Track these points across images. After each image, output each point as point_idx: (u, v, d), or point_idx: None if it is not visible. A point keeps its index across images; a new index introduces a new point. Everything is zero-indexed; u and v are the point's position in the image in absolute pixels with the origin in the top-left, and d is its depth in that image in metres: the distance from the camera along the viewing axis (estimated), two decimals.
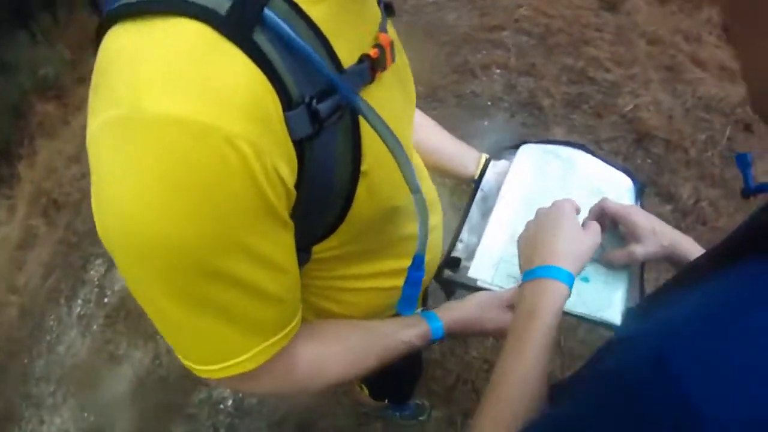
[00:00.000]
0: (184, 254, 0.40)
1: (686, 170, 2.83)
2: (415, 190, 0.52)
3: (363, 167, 0.50)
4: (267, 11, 0.39)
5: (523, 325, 0.61)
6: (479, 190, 0.98)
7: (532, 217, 0.81)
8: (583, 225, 0.77)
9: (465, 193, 1.33)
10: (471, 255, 0.89)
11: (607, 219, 0.85)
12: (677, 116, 3.10)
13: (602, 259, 0.86)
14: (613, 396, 0.35)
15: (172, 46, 0.37)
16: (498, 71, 3.15)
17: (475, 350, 2.01)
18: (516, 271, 0.81)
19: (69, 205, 2.89)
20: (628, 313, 0.78)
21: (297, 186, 0.44)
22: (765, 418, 0.27)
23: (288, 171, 0.42)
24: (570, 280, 0.66)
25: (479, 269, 0.86)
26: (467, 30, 3.40)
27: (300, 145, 0.43)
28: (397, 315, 0.70)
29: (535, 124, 2.81)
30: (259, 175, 0.39)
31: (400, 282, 0.63)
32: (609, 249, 0.86)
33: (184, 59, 0.37)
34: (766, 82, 0.39)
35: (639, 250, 0.81)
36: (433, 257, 0.80)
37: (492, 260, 0.87)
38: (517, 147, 1.03)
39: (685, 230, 2.45)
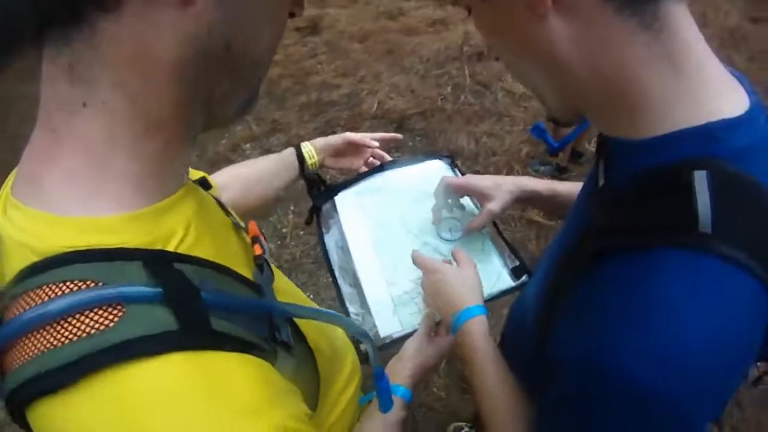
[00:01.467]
0: None
1: (452, 123, 2.92)
2: (363, 335, 0.55)
3: (312, 347, 0.55)
4: (203, 294, 0.37)
5: (473, 366, 0.69)
6: (327, 251, 1.01)
7: (389, 253, 0.94)
8: (454, 256, 0.85)
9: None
10: (371, 321, 0.90)
11: (451, 195, 0.94)
12: (418, 87, 3.22)
13: (466, 232, 0.93)
14: (583, 412, 0.42)
15: (163, 395, 0.32)
16: (248, 145, 3.07)
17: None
18: (412, 305, 0.89)
19: None
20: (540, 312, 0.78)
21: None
22: (696, 366, 0.37)
23: (303, 403, 0.44)
24: (480, 309, 0.74)
25: (386, 326, 0.88)
26: None
27: (292, 377, 0.45)
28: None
29: None
30: (306, 428, 0.39)
31: (353, 387, 0.73)
32: (465, 222, 0.95)
33: (188, 401, 0.33)
34: (547, 97, 0.50)
35: (493, 205, 0.88)
36: (353, 357, 0.83)
37: (389, 312, 0.90)
38: (328, 197, 1.07)
39: (487, 168, 2.63)
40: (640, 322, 0.39)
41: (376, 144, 1.09)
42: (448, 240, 0.97)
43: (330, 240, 1.03)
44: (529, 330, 0.61)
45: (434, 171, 1.09)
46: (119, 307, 0.34)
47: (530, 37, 0.44)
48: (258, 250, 0.52)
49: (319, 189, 1.06)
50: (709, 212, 0.39)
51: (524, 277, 0.92)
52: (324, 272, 2.22)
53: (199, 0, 0.34)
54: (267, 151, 2.99)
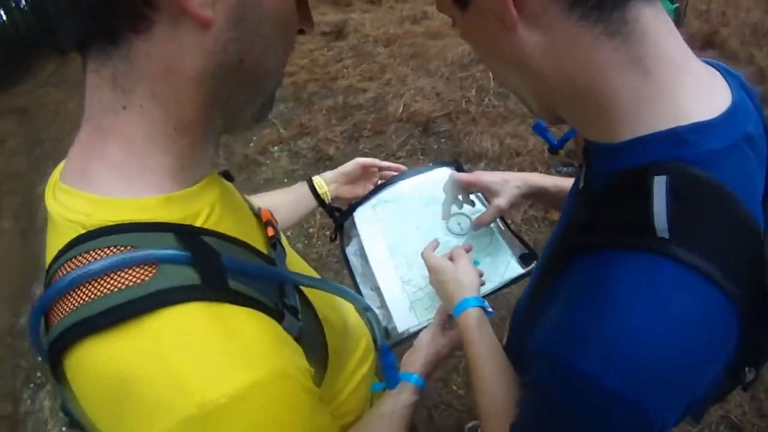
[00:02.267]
0: None
1: (477, 125, 2.94)
2: (366, 309, 0.62)
3: (321, 317, 0.60)
4: (223, 259, 0.43)
5: (468, 359, 0.72)
6: (350, 263, 1.08)
7: (403, 254, 1.00)
8: (451, 256, 0.88)
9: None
10: (389, 317, 0.95)
11: (459, 191, 0.98)
12: (443, 89, 3.25)
13: (475, 226, 0.96)
14: (542, 401, 0.46)
15: (183, 336, 0.38)
16: (276, 148, 3.14)
17: None
18: (427, 300, 0.95)
19: None
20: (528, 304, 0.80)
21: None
22: (639, 358, 0.38)
23: (306, 362, 0.48)
24: (476, 302, 0.77)
25: (403, 322, 0.93)
26: None
27: (298, 339, 0.49)
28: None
29: None
30: (306, 382, 0.45)
31: (366, 366, 0.79)
32: (473, 218, 0.98)
33: (203, 342, 0.39)
34: (528, 101, 0.52)
35: (501, 201, 0.90)
36: (367, 339, 0.88)
37: (405, 308, 0.95)
38: (348, 215, 1.14)
39: (511, 168, 2.63)
40: (591, 320, 0.41)
41: (387, 164, 1.14)
42: (457, 235, 1.02)
43: (351, 250, 1.10)
44: (520, 326, 0.64)
45: (442, 178, 1.14)
46: (154, 266, 0.40)
47: (503, 46, 0.46)
48: (271, 232, 0.59)
49: (339, 212, 1.13)
50: (665, 216, 0.40)
51: (533, 264, 0.95)
52: None
53: (217, 22, 0.41)
54: (295, 154, 3.06)
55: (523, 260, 0.96)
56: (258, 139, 3.24)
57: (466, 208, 1.03)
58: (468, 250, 0.91)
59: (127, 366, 0.38)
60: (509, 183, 0.91)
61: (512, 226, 1.03)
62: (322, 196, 1.05)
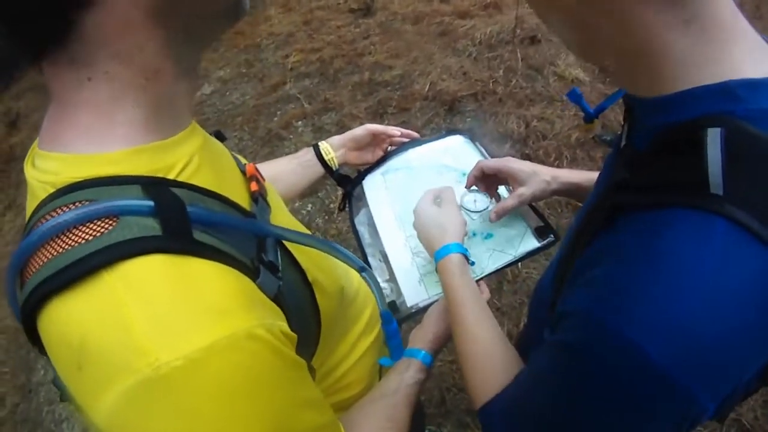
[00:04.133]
0: None
1: (503, 106, 2.90)
2: (360, 269, 0.59)
3: (310, 279, 0.57)
4: (189, 208, 0.42)
5: (451, 301, 0.71)
6: (358, 233, 1.05)
7: (413, 228, 0.93)
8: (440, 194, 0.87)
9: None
10: (398, 290, 0.93)
11: (487, 179, 0.95)
12: (470, 69, 3.20)
13: (496, 213, 0.91)
14: (574, 363, 0.43)
15: (141, 291, 0.37)
16: (300, 123, 3.14)
17: (435, 360, 1.93)
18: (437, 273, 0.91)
19: None
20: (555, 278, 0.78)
21: (290, 326, 0.47)
22: (689, 334, 0.36)
23: (285, 325, 0.45)
24: (456, 248, 0.76)
25: (412, 295, 0.91)
26: (254, 101, 3.40)
27: (277, 299, 0.47)
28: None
29: None
30: (277, 344, 0.41)
31: (371, 337, 0.77)
32: (491, 206, 0.95)
33: (163, 297, 0.37)
34: (576, 51, 0.49)
35: (525, 190, 0.87)
36: (373, 308, 0.86)
37: (415, 281, 0.93)
38: (357, 182, 1.12)
39: (537, 151, 2.61)
40: (642, 284, 0.38)
41: (398, 132, 1.11)
42: (472, 211, 0.99)
43: (360, 220, 1.08)
44: (547, 297, 0.61)
45: (454, 146, 1.14)
46: (115, 219, 0.39)
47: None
48: (254, 186, 0.56)
49: (347, 180, 1.10)
50: (720, 173, 0.37)
51: (550, 237, 0.92)
52: None
53: None
54: (319, 129, 3.05)
55: (539, 233, 0.94)
56: (282, 113, 3.24)
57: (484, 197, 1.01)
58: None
59: (84, 325, 0.37)
60: (537, 175, 0.88)
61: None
62: (328, 163, 1.03)
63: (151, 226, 0.39)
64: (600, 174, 0.64)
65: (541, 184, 0.87)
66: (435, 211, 0.84)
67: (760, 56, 0.41)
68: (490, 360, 0.63)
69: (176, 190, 0.44)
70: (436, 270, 0.78)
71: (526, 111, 2.83)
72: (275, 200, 0.65)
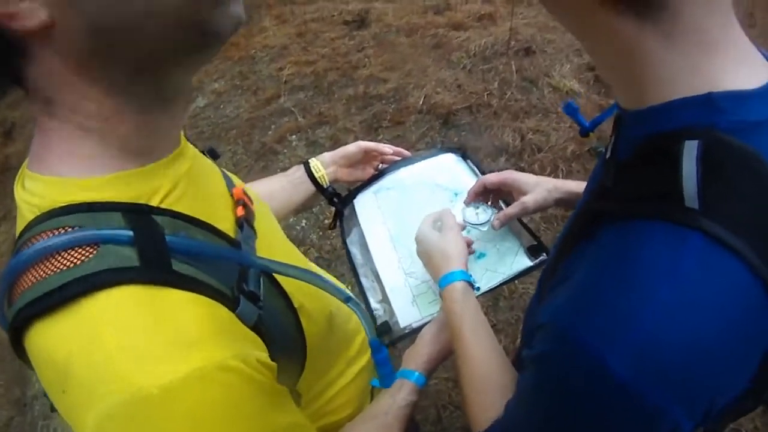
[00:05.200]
0: None
1: (498, 119, 2.89)
2: (346, 299, 0.58)
3: (296, 305, 0.57)
4: (168, 238, 0.42)
5: (452, 332, 0.71)
6: (350, 253, 1.04)
7: (406, 246, 0.96)
8: (441, 219, 0.86)
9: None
10: (390, 311, 0.92)
11: (488, 194, 0.95)
12: (465, 81, 3.19)
13: (499, 221, 0.91)
14: (543, 377, 0.43)
15: (118, 320, 0.38)
16: (294, 137, 3.12)
17: (431, 378, 1.90)
18: (431, 293, 0.91)
19: None
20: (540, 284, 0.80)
21: (271, 357, 0.48)
22: (654, 346, 0.35)
23: (263, 353, 0.46)
24: (461, 275, 0.75)
25: (405, 316, 0.90)
26: (248, 114, 3.38)
27: (257, 328, 0.47)
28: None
29: None
30: (254, 374, 0.42)
31: (362, 361, 0.77)
32: (493, 217, 0.94)
33: (137, 327, 0.38)
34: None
35: (529, 199, 0.87)
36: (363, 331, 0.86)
37: (408, 302, 0.92)
38: (349, 201, 1.10)
39: (532, 165, 2.60)
40: (608, 295, 0.38)
41: (390, 150, 1.10)
42: (475, 225, 0.98)
43: (352, 240, 1.06)
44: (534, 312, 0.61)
45: (447, 164, 1.13)
46: (95, 247, 0.40)
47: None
48: (240, 212, 0.56)
49: (338, 198, 1.08)
50: (695, 186, 0.37)
51: (543, 256, 0.91)
52: None
53: (56, 15, 0.38)
54: (313, 143, 3.04)
55: (532, 252, 0.93)
56: (276, 127, 3.22)
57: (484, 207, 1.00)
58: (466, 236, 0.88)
59: (67, 349, 0.38)
60: (540, 185, 0.88)
61: (530, 224, 1.00)
62: (319, 180, 1.02)
63: (128, 256, 0.40)
64: (587, 184, 0.63)
65: (543, 193, 0.87)
66: (436, 238, 0.83)
67: (749, 67, 0.40)
68: (491, 388, 0.62)
69: (158, 218, 0.44)
70: (441, 297, 0.78)
71: (522, 123, 2.82)
72: (266, 223, 0.64)
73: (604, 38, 0.42)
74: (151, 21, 0.39)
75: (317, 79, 3.56)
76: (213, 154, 0.66)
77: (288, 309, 0.56)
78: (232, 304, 0.45)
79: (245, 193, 0.60)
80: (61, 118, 0.43)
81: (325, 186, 1.03)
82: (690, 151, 0.38)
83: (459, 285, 0.74)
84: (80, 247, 0.40)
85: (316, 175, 1.01)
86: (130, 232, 0.41)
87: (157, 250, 0.42)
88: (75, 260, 0.40)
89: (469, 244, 0.89)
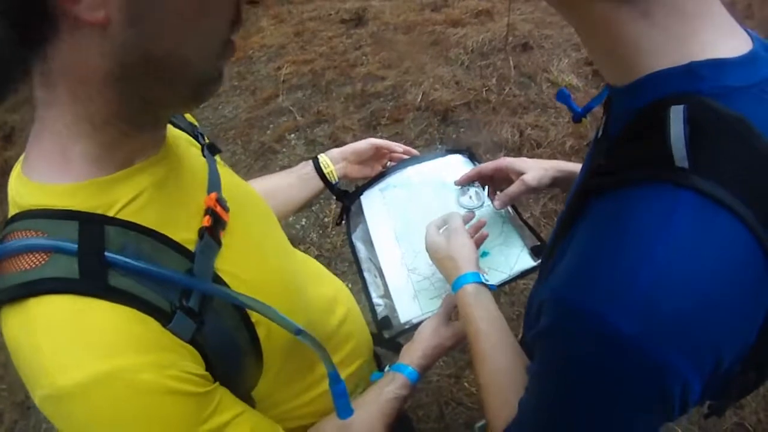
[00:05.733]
0: None
1: (497, 115, 2.88)
2: (296, 332, 0.56)
3: (253, 320, 0.57)
4: (107, 254, 0.46)
5: (468, 336, 0.71)
6: (355, 248, 1.04)
7: (410, 242, 0.98)
8: (447, 223, 0.87)
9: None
10: (392, 306, 0.93)
11: (484, 180, 0.97)
12: (462, 78, 3.19)
13: (501, 201, 0.92)
14: (550, 351, 0.44)
15: (50, 323, 0.44)
16: (293, 136, 3.12)
17: (434, 374, 1.91)
18: (432, 290, 0.93)
19: None
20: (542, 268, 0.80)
21: (208, 365, 0.51)
22: (655, 301, 0.35)
23: (194, 363, 0.49)
24: (471, 277, 0.75)
25: (406, 311, 0.91)
26: (247, 114, 3.38)
27: (194, 340, 0.49)
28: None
29: None
30: (172, 384, 0.46)
31: (347, 370, 0.76)
32: (487, 201, 0.97)
33: (64, 331, 0.43)
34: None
35: (528, 176, 0.88)
36: (361, 333, 0.85)
37: (409, 297, 0.93)
38: (356, 197, 1.11)
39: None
40: (605, 258, 0.39)
41: (401, 149, 1.11)
42: (468, 208, 0.98)
43: (357, 235, 1.07)
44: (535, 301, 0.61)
45: (454, 164, 1.14)
46: (48, 254, 0.45)
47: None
48: (206, 222, 0.55)
49: (346, 194, 1.09)
50: (684, 146, 0.38)
51: None
52: None
53: (114, 20, 0.41)
54: (311, 142, 3.04)
55: (535, 252, 0.94)
56: (275, 126, 3.22)
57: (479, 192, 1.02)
58: (467, 222, 0.89)
59: (15, 341, 0.45)
60: (537, 164, 0.90)
61: (530, 220, 1.00)
62: (327, 176, 1.02)
63: (71, 268, 0.45)
64: (582, 167, 0.65)
65: (540, 171, 0.89)
66: (444, 244, 0.83)
67: (727, 36, 0.42)
68: (507, 388, 0.62)
69: (111, 228, 0.48)
70: (448, 299, 0.79)
71: (520, 119, 2.82)
72: (243, 228, 0.63)
73: (588, 23, 0.44)
74: (193, 58, 0.47)
75: (315, 77, 3.56)
76: (213, 150, 0.67)
77: (242, 322, 0.56)
78: (165, 319, 0.48)
79: (219, 201, 0.59)
80: (60, 109, 0.46)
81: (333, 182, 1.03)
82: (677, 114, 0.39)
83: (469, 288, 0.75)
84: (37, 252, 0.45)
85: (325, 171, 1.01)
86: (75, 246, 0.45)
87: (96, 265, 0.45)
88: (33, 263, 0.45)
89: (481, 225, 0.90)
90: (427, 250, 0.87)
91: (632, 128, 0.44)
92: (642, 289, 0.36)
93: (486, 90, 3.06)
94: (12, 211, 0.49)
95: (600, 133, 0.54)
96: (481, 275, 0.77)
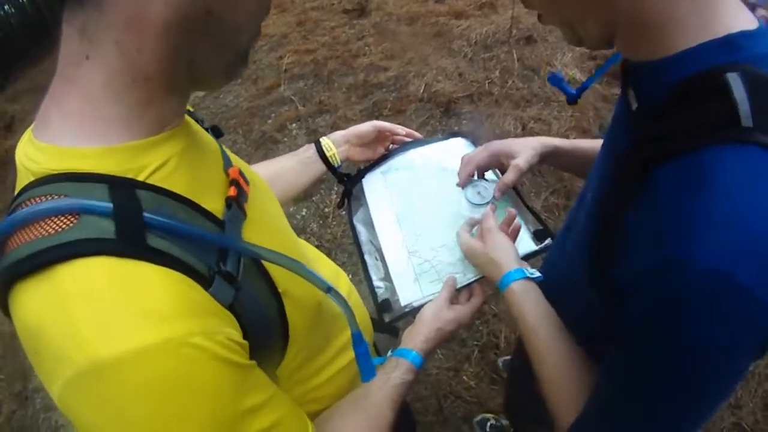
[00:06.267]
0: None
1: (499, 107, 2.87)
2: (327, 290, 0.57)
3: (280, 290, 0.56)
4: (145, 214, 0.43)
5: (522, 334, 0.72)
6: (356, 231, 1.03)
7: (412, 228, 0.97)
8: (482, 234, 0.87)
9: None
10: (392, 289, 0.92)
11: (476, 169, 0.97)
12: (466, 70, 3.17)
13: (499, 190, 0.93)
14: (671, 323, 0.43)
15: (87, 289, 0.39)
16: (294, 125, 3.11)
17: (433, 367, 1.91)
18: (433, 273, 0.91)
19: None
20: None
21: (244, 335, 0.49)
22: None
23: (235, 331, 0.47)
24: (518, 273, 0.75)
25: (407, 294, 0.90)
26: (248, 103, 3.37)
27: (232, 307, 0.48)
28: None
29: None
30: (220, 351, 0.43)
31: (352, 351, 0.72)
32: (491, 187, 0.97)
33: (106, 297, 0.39)
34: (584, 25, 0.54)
35: (519, 161, 0.89)
36: (361, 316, 0.84)
37: (410, 280, 0.91)
38: (357, 180, 1.11)
39: None
40: (702, 217, 0.41)
41: (403, 131, 1.10)
42: (477, 205, 0.98)
43: (358, 218, 1.06)
44: (577, 280, 0.61)
45: (456, 148, 1.13)
46: (76, 216, 0.41)
47: None
48: (232, 192, 0.56)
49: (348, 177, 1.09)
50: (748, 108, 0.42)
51: (548, 241, 0.92)
52: None
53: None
54: (313, 131, 3.02)
55: (537, 237, 0.94)
56: (276, 116, 3.21)
57: (488, 175, 1.02)
58: (493, 211, 0.89)
59: (38, 314, 0.40)
60: (526, 145, 0.91)
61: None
62: (330, 159, 1.01)
63: (106, 228, 0.41)
64: (605, 141, 0.67)
65: (530, 151, 0.90)
66: (480, 248, 0.83)
67: (738, 9, 0.47)
68: (568, 381, 0.64)
69: (143, 192, 0.45)
70: (462, 297, 0.79)
71: (523, 112, 2.81)
72: (261, 205, 0.64)
73: (614, 2, 0.48)
74: (245, 24, 0.48)
75: (317, 67, 3.54)
76: (216, 132, 0.67)
77: (270, 293, 0.56)
78: (206, 283, 0.46)
79: (241, 174, 0.59)
80: (96, 65, 0.44)
81: (336, 165, 1.02)
82: (736, 81, 0.43)
83: (514, 286, 0.75)
84: (63, 215, 0.41)
85: (328, 154, 1.01)
86: (110, 205, 0.42)
87: (134, 224, 0.43)
88: (57, 227, 0.41)
89: (513, 217, 0.90)
90: (466, 258, 0.87)
91: (684, 96, 0.47)
92: (747, 238, 0.39)
93: (489, 82, 3.04)
94: (23, 181, 0.45)
95: (635, 105, 0.55)
96: (525, 269, 0.76)
